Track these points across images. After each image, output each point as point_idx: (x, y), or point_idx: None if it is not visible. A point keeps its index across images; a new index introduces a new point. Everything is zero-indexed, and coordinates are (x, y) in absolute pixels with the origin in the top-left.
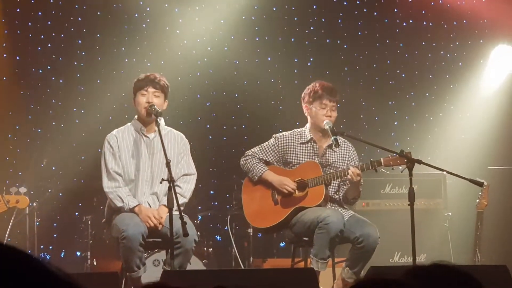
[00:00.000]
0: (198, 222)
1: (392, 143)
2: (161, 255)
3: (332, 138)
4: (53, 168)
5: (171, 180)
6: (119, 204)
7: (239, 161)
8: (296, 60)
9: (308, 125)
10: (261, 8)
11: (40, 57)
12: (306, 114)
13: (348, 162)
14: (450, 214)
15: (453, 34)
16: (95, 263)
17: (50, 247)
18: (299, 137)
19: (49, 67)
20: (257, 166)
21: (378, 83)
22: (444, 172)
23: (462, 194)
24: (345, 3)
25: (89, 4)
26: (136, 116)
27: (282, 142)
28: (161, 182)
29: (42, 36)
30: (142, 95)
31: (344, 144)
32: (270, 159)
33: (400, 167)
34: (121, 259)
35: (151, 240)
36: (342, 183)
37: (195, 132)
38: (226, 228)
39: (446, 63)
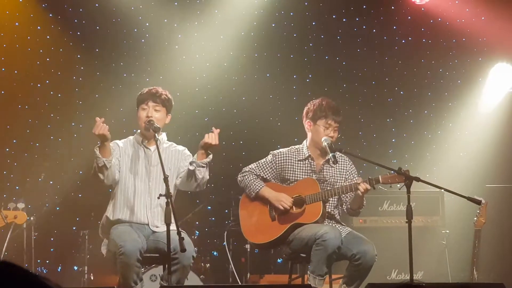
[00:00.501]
0: (195, 237)
1: (390, 160)
2: (159, 270)
3: (330, 155)
4: (51, 182)
5: (168, 195)
6: (100, 162)
7: (237, 176)
8: (295, 76)
9: (306, 142)
10: (260, 24)
11: (39, 71)
12: (306, 130)
13: (347, 177)
14: (447, 231)
15: (452, 52)
16: (92, 278)
17: (47, 262)
18: (297, 154)
19: (47, 81)
20: (254, 183)
21: (377, 100)
22: (442, 190)
23: (459, 212)
24: (344, 19)
25: (88, 18)
26: (138, 130)
27: (279, 159)
28: (158, 198)
29: (41, 50)
30: (142, 110)
31: (341, 159)
32: (267, 175)
33: (398, 185)
34: (118, 274)
35: (149, 255)
36: (343, 198)
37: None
38: (224, 243)
39: (444, 81)
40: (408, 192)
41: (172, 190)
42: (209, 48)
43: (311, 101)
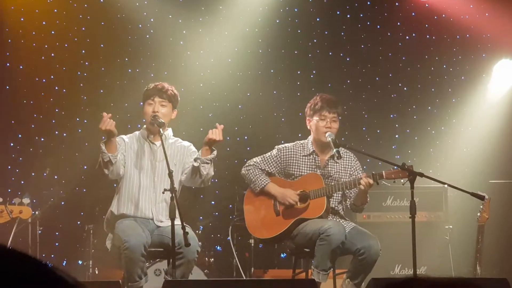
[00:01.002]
0: (199, 232)
1: (394, 156)
2: (163, 264)
3: (334, 150)
4: (56, 177)
5: (173, 190)
6: (105, 157)
7: (241, 171)
8: (299, 72)
9: (310, 137)
10: (265, 20)
11: (44, 67)
12: (308, 128)
13: (351, 173)
14: (451, 227)
15: (456, 48)
16: (96, 272)
17: (52, 256)
18: (302, 149)
19: (52, 77)
20: (260, 178)
21: (380, 96)
22: (446, 185)
23: (463, 207)
24: (348, 16)
25: (93, 14)
26: (144, 126)
27: (284, 154)
28: (163, 192)
29: (45, 46)
30: (148, 105)
31: (346, 155)
32: (272, 170)
33: (402, 180)
34: (122, 268)
35: (153, 249)
36: (347, 193)
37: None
38: (228, 238)
39: (448, 77)
40: (412, 187)
41: (177, 186)
42: (214, 44)
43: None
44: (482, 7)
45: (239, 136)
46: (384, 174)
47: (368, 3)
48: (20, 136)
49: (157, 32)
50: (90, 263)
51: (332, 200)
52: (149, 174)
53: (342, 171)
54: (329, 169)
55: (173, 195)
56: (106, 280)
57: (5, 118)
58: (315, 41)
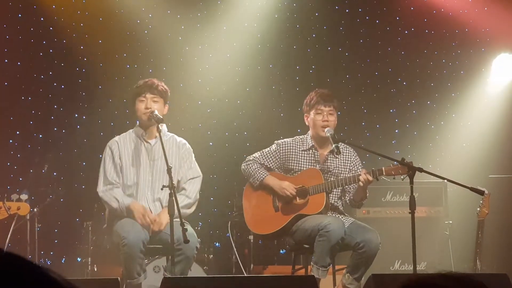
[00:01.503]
0: (198, 228)
1: (393, 150)
2: (162, 261)
3: (334, 145)
4: (54, 173)
5: (172, 186)
6: (114, 204)
7: (240, 167)
8: (297, 67)
9: (309, 133)
10: (263, 15)
11: (42, 63)
12: (307, 124)
13: (351, 168)
14: (450, 222)
15: (455, 42)
16: (95, 269)
17: (51, 253)
18: (301, 144)
19: (50, 73)
20: (259, 171)
21: (380, 91)
22: (445, 180)
23: (463, 203)
24: (347, 10)
25: (91, 10)
26: (137, 123)
27: (284, 148)
28: (162, 189)
29: (44, 42)
30: (140, 102)
31: (346, 151)
32: (271, 165)
33: (402, 175)
34: (121, 265)
35: (152, 246)
36: (346, 189)
37: (196, 138)
38: (228, 234)
39: (447, 71)
40: (411, 182)
41: (175, 182)
42: (212, 39)
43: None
44: (480, 1)
45: (238, 131)
46: (384, 170)
47: None
48: (18, 132)
49: (156, 28)
50: (89, 260)
51: (331, 196)
52: (146, 173)
53: (342, 166)
54: (329, 164)
55: (172, 191)
56: (105, 277)
57: (4, 114)
58: (314, 36)
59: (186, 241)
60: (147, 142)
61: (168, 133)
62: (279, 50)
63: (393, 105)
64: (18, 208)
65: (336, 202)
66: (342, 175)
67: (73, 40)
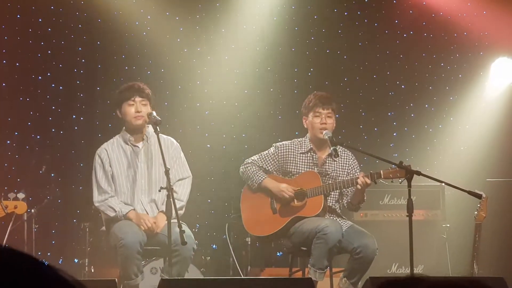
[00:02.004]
0: (196, 230)
1: (391, 154)
2: (159, 263)
3: (332, 148)
4: (52, 175)
5: (169, 188)
6: (112, 214)
7: (238, 170)
8: (296, 70)
9: (307, 135)
10: (262, 17)
11: (40, 64)
12: (305, 127)
13: (349, 172)
14: (448, 225)
15: (454, 46)
16: (92, 270)
17: (48, 254)
18: (299, 147)
19: (49, 74)
20: (257, 174)
21: (378, 94)
22: (443, 184)
23: (460, 206)
24: (345, 13)
25: (90, 11)
26: (124, 127)
27: (282, 151)
28: (159, 190)
29: (42, 43)
30: (129, 105)
31: (344, 153)
32: (269, 167)
33: (399, 179)
34: (119, 267)
35: (149, 247)
36: (344, 192)
37: (194, 140)
38: (225, 236)
39: (446, 75)
40: (409, 186)
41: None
42: (211, 41)
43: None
44: (479, 5)
45: (236, 134)
46: (382, 173)
47: (366, 0)
48: (16, 133)
49: (154, 29)
50: (86, 261)
51: (329, 198)
52: (139, 175)
53: (340, 170)
54: (327, 167)
55: (170, 193)
56: (102, 278)
57: (2, 115)
58: (312, 38)
59: (183, 242)
60: (134, 146)
61: (154, 133)
62: (278, 52)
63: (391, 108)
64: (15, 207)
65: (334, 205)
66: (340, 178)
67: (72, 41)
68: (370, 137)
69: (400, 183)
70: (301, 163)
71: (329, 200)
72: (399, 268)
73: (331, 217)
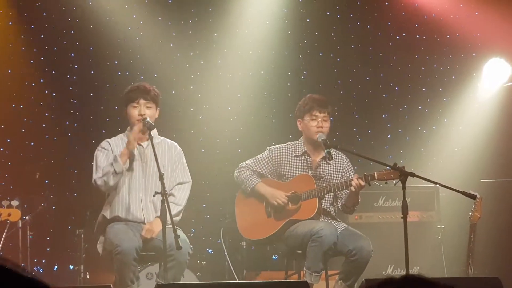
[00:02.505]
0: (191, 235)
1: (386, 156)
2: (155, 268)
3: (326, 151)
4: (46, 181)
5: (164, 193)
6: (109, 169)
7: (232, 174)
8: (289, 73)
9: (301, 138)
10: (255, 21)
11: (33, 70)
12: (300, 129)
13: (343, 174)
14: (443, 226)
15: (446, 47)
16: (88, 277)
17: (43, 261)
18: (293, 150)
19: (42, 80)
20: (251, 178)
21: (371, 96)
22: (437, 185)
23: (455, 207)
24: (338, 16)
25: (82, 17)
26: (128, 128)
27: (276, 154)
28: (154, 196)
29: (34, 49)
30: (133, 108)
31: (338, 156)
32: (263, 171)
33: (394, 180)
34: (114, 273)
35: (145, 253)
36: (338, 194)
37: (188, 145)
38: (219, 241)
39: (439, 76)
40: (404, 187)
41: (167, 185)
42: (204, 45)
43: (298, 103)
44: (471, 6)
45: (229, 138)
46: (376, 175)
47: (358, 3)
48: (9, 140)
49: (147, 35)
50: (82, 267)
51: (323, 201)
52: (139, 177)
53: (334, 173)
54: (321, 170)
55: (164, 198)
56: (98, 284)
57: None
58: (305, 41)
59: (179, 247)
60: (139, 144)
61: (159, 136)
62: (271, 56)
63: (385, 110)
64: (9, 215)
65: (329, 207)
66: (334, 181)
67: (64, 47)
68: (364, 139)
69: (395, 185)
70: (295, 166)
71: (323, 203)
72: (395, 270)
73: (326, 220)
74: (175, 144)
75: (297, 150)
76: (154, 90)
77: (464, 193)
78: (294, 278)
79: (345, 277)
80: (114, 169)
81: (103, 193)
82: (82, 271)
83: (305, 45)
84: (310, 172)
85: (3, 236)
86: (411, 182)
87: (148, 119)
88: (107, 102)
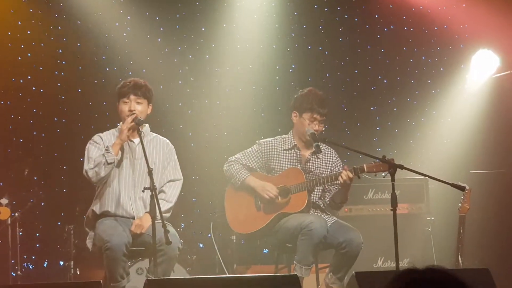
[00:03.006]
0: (181, 230)
1: (375, 148)
2: (145, 263)
3: (314, 144)
4: (35, 178)
5: (153, 188)
6: (101, 159)
7: (221, 168)
8: (277, 67)
9: (292, 132)
10: (242, 15)
11: (20, 67)
12: (293, 120)
13: (332, 168)
14: (432, 218)
15: (434, 39)
16: (78, 273)
17: (33, 257)
18: (283, 144)
19: (29, 77)
20: (240, 172)
21: (360, 89)
22: (426, 177)
23: (444, 199)
24: (325, 9)
25: (69, 13)
26: (120, 123)
27: (265, 148)
28: (143, 191)
29: (22, 46)
30: (124, 103)
31: (327, 151)
32: (253, 165)
33: (383, 173)
34: (104, 269)
35: (135, 248)
36: (327, 188)
37: (177, 140)
38: (209, 235)
39: (427, 68)
40: (393, 180)
41: (158, 182)
42: (191, 40)
43: (300, 91)
44: None
45: (218, 132)
46: (365, 167)
47: None
48: None
49: (134, 30)
50: (71, 263)
51: (313, 194)
52: (129, 172)
53: (323, 167)
54: (310, 164)
55: (153, 193)
56: (88, 280)
57: None
58: (293, 35)
59: (168, 242)
60: (130, 141)
61: (152, 132)
62: (258, 50)
63: (373, 103)
64: None
65: (318, 201)
66: (323, 174)
67: (52, 43)
68: (353, 132)
69: (384, 177)
70: (284, 160)
71: (313, 196)
72: (385, 262)
73: (316, 213)
74: (167, 141)
75: (287, 143)
76: (145, 86)
77: (453, 185)
78: (284, 271)
79: (335, 270)
80: (106, 160)
81: (93, 188)
82: (72, 267)
83: (293, 38)
84: (299, 165)
85: None
86: (400, 174)
87: (138, 114)
88: (95, 97)
